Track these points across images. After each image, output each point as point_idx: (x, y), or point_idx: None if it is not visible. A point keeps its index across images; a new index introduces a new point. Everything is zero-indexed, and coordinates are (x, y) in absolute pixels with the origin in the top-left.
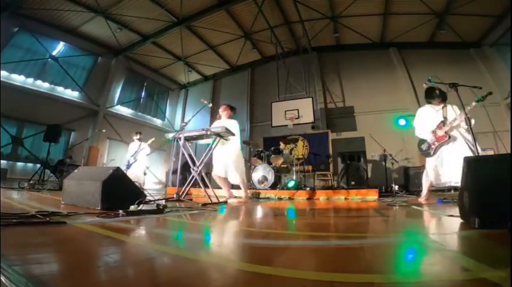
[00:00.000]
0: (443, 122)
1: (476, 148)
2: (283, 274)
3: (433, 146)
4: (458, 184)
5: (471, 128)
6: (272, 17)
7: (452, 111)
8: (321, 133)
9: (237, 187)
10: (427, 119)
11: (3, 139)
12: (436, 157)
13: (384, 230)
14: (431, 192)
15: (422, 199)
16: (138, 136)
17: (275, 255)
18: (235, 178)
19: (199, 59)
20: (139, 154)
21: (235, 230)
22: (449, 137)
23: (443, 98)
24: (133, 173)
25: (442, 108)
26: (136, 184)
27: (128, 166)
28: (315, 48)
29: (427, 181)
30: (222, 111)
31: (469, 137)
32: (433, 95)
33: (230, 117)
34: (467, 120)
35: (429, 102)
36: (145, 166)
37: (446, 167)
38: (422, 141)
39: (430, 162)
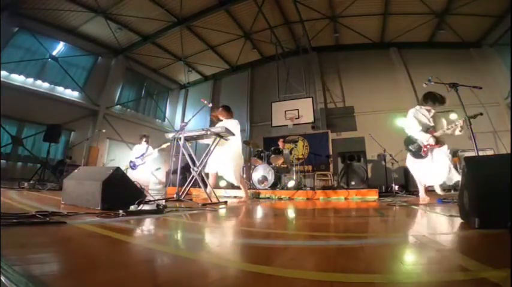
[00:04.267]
0: (434, 128)
1: (477, 150)
2: (283, 274)
3: (425, 149)
4: (444, 183)
5: (471, 130)
6: (272, 17)
7: (441, 120)
8: (321, 133)
9: (237, 187)
10: (422, 120)
11: (3, 139)
12: (428, 159)
13: (384, 230)
14: (429, 192)
15: (422, 199)
16: (144, 139)
17: (275, 255)
18: (234, 178)
19: (199, 59)
20: (148, 158)
21: (235, 230)
22: (441, 142)
23: (440, 104)
24: (139, 175)
25: (434, 115)
26: (143, 186)
27: (133, 167)
28: (315, 48)
29: (422, 181)
30: (220, 114)
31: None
32: (433, 100)
33: (229, 117)
34: (468, 122)
35: (424, 105)
36: (152, 168)
37: (437, 169)
38: (410, 141)
39: (420, 164)
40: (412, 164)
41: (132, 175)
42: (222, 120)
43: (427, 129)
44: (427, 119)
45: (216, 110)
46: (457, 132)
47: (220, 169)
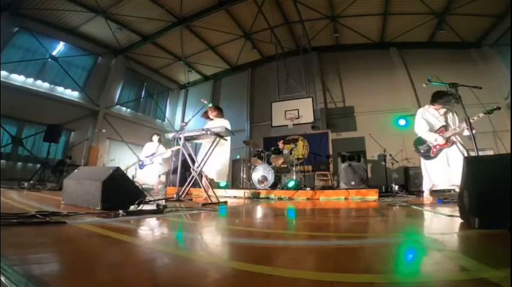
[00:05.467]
0: (446, 127)
1: (477, 153)
2: (283, 274)
3: (434, 150)
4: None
5: (473, 135)
6: (272, 17)
7: (454, 118)
8: (321, 133)
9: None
10: (431, 120)
11: (3, 139)
12: (437, 160)
13: (384, 230)
14: (432, 192)
15: (427, 199)
16: (157, 137)
17: (275, 255)
18: (212, 173)
19: (199, 59)
20: (158, 157)
21: (235, 230)
22: (452, 142)
23: (449, 103)
24: (146, 176)
25: (445, 113)
26: (149, 186)
27: (141, 166)
28: (315, 48)
29: (429, 182)
30: (212, 113)
31: (463, 145)
32: (443, 99)
33: (220, 117)
34: (470, 128)
35: (434, 104)
36: (159, 171)
37: (450, 170)
38: (420, 142)
39: (431, 164)
40: (424, 165)
41: (138, 175)
42: (212, 119)
43: (438, 129)
44: (436, 119)
45: (208, 111)
46: (466, 133)
47: (210, 171)
